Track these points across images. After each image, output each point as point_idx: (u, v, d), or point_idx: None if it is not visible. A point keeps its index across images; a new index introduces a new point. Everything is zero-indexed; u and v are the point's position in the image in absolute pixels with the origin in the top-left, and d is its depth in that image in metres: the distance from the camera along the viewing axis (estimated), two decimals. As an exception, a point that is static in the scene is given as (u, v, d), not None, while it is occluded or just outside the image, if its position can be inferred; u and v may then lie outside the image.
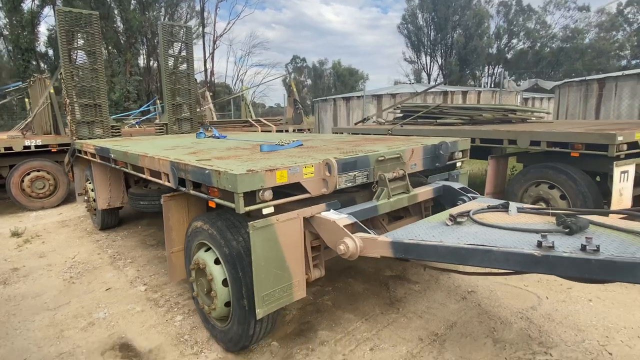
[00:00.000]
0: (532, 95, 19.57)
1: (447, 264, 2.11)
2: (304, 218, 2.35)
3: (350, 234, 2.18)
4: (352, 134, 6.43)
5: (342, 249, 2.16)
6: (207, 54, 34.66)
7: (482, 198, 2.94)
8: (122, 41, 29.13)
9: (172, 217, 2.98)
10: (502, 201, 2.52)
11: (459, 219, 2.27)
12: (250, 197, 2.10)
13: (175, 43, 7.25)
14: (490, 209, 2.44)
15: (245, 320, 2.40)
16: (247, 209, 2.07)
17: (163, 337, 2.86)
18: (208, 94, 14.71)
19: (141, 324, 3.04)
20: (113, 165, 4.05)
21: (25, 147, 6.71)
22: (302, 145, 3.61)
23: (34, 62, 27.05)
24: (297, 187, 2.32)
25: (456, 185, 3.15)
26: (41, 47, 28.76)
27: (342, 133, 7.07)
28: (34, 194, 7.07)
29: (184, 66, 7.46)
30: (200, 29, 33.78)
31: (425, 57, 46.24)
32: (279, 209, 2.25)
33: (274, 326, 2.66)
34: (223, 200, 2.22)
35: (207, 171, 2.25)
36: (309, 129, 11.01)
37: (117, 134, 6.79)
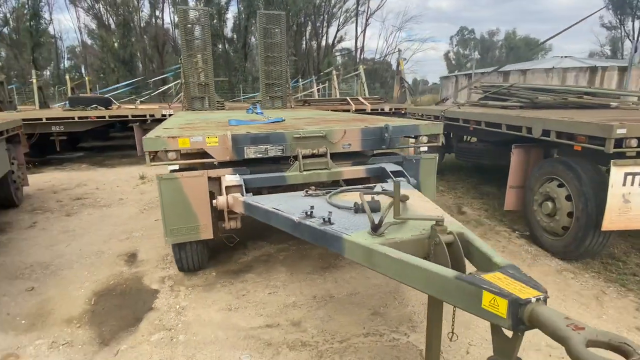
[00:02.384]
0: None
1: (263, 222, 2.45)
2: (210, 177, 3.01)
3: (225, 192, 2.77)
4: (403, 113, 6.43)
5: (214, 202, 2.77)
6: (360, 31, 35.70)
7: (402, 184, 2.99)
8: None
9: None
10: (410, 190, 2.60)
11: (310, 192, 2.58)
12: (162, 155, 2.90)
13: (272, 29, 8.34)
14: (367, 191, 2.60)
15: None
16: (152, 164, 2.88)
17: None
18: (362, 69, 14.47)
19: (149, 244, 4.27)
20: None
21: (163, 115, 9.01)
22: (282, 121, 4.17)
23: (220, 46, 32.98)
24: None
25: (390, 168, 3.24)
26: (227, 32, 34.66)
27: (404, 113, 7.07)
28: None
29: (276, 51, 8.48)
30: (355, 6, 34.88)
31: (633, 21, 36.68)
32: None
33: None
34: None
35: (159, 138, 3.14)
36: (404, 111, 10.81)
37: (222, 107, 8.43)
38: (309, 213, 2.04)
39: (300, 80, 21.68)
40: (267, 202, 2.50)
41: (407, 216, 1.80)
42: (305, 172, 3.13)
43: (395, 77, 12.32)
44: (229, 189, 2.82)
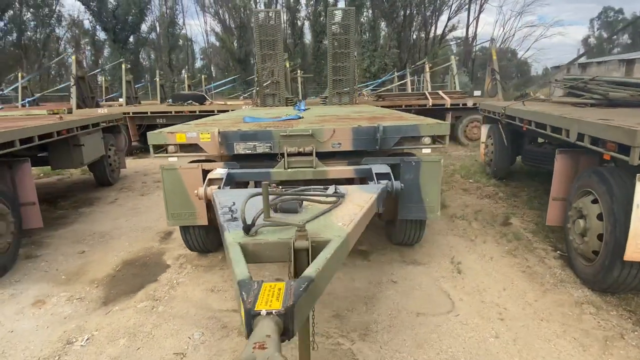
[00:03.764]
0: None
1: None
2: (204, 169, 3.32)
3: (205, 184, 3.03)
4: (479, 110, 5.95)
5: (195, 192, 3.06)
6: (472, 19, 33.08)
7: (374, 186, 2.87)
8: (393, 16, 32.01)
9: None
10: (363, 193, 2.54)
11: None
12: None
13: (341, 25, 8.42)
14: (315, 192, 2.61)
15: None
16: (156, 155, 3.30)
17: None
18: (453, 59, 13.68)
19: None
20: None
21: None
22: (299, 118, 4.28)
23: (325, 42, 33.93)
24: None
25: (377, 170, 3.13)
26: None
27: (480, 109, 6.52)
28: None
29: (345, 47, 8.51)
30: (467, -6, 32.38)
31: None
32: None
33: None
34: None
35: (161, 133, 3.58)
36: (475, 105, 9.70)
37: (292, 103, 8.86)
38: (230, 208, 2.16)
39: (396, 73, 21.12)
40: (228, 196, 2.68)
41: (277, 220, 1.79)
42: (290, 170, 3.23)
43: (487, 68, 11.20)
44: (211, 181, 3.08)
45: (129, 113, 10.07)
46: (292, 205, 2.10)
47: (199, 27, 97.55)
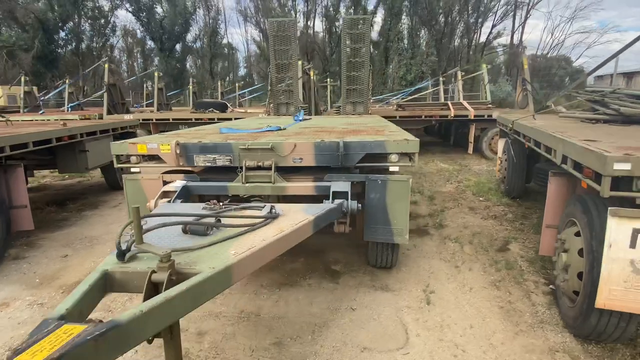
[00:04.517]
0: None
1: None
2: (164, 181, 3.28)
3: (156, 196, 2.98)
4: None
5: (146, 204, 3.02)
6: (517, 25, 31.56)
7: (320, 206, 2.67)
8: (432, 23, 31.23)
9: None
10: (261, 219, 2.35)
11: (207, 205, 2.57)
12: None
13: (356, 34, 8.24)
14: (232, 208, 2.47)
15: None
16: (120, 165, 3.30)
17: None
18: (484, 67, 13.55)
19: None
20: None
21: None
22: (279, 130, 4.16)
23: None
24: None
25: (336, 187, 2.95)
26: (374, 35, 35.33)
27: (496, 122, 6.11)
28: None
29: (359, 56, 8.31)
30: (513, -1, 30.95)
31: None
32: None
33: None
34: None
35: (123, 143, 3.59)
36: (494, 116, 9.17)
37: (305, 112, 8.78)
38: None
39: (430, 81, 20.50)
40: (170, 210, 2.61)
41: (147, 247, 1.65)
42: (247, 184, 3.11)
43: (518, 78, 10.53)
44: (165, 193, 3.04)
45: (152, 119, 10.45)
46: (199, 227, 1.97)
47: (240, 36, 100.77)
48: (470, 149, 9.98)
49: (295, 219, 2.32)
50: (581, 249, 2.50)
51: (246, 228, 2.04)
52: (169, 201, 2.91)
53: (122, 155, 3.31)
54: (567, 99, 6.78)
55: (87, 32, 36.18)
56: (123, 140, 3.41)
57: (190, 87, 16.64)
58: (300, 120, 5.70)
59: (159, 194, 3.03)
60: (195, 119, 10.29)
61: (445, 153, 10.90)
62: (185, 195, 3.11)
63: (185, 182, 3.21)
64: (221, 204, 2.54)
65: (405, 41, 30.92)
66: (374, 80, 33.84)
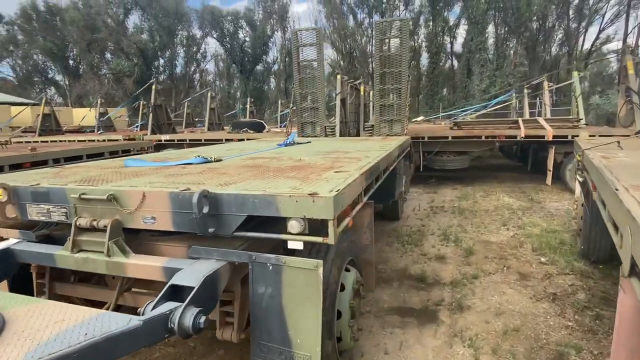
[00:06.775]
0: None
1: None
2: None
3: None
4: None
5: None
6: (630, 29, 26.45)
7: (121, 317, 1.48)
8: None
9: None
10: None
11: None
12: None
13: (390, 40, 6.84)
14: None
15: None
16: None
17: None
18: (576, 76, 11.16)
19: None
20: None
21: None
22: (208, 161, 3.01)
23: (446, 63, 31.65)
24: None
25: (182, 277, 1.71)
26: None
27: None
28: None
29: (395, 66, 6.84)
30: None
31: None
32: None
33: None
34: None
35: None
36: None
37: (332, 133, 7.56)
38: None
39: (514, 94, 17.71)
40: None
41: None
42: (77, 255, 2.02)
43: (619, 86, 7.99)
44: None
45: (186, 140, 10.15)
46: None
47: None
48: (549, 179, 7.73)
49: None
50: None
51: None
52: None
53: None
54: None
55: (181, 59, 39.69)
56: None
57: (248, 107, 16.50)
58: (286, 145, 4.50)
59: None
60: (226, 140, 9.70)
61: (517, 182, 8.68)
62: (7, 262, 2.14)
63: (17, 240, 2.24)
64: None
65: (491, 52, 27.89)
66: (456, 95, 31.09)
